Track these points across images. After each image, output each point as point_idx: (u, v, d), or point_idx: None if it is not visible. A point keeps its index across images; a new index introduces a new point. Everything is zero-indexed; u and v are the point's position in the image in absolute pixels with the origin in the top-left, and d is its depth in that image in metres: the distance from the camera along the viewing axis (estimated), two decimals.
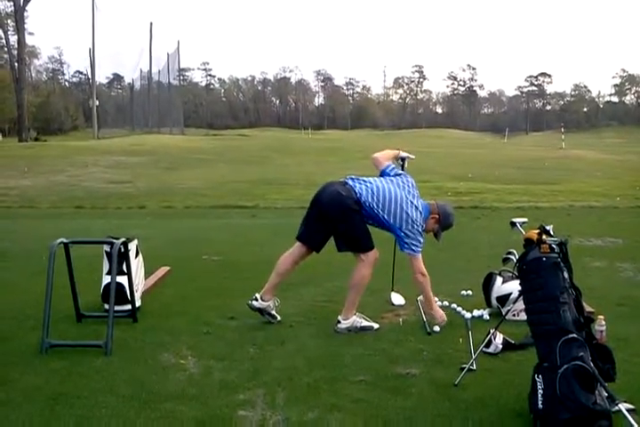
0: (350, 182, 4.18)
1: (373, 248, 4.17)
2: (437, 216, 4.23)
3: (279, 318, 4.37)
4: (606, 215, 10.29)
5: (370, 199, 4.09)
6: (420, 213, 4.15)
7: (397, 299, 4.84)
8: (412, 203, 4.14)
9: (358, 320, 4.17)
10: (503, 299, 4.42)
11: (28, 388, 3.24)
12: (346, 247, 4.20)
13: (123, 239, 4.27)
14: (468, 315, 4.48)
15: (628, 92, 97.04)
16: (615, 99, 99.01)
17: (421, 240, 4.15)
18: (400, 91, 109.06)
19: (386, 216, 4.10)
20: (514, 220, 3.60)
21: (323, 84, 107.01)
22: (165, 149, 25.78)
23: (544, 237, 3.08)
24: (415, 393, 3.20)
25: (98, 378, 3.37)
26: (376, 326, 4.23)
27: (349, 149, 29.73)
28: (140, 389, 3.24)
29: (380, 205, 4.10)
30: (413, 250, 4.11)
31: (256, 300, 4.28)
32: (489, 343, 3.69)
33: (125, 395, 3.16)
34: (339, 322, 4.18)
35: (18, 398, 3.10)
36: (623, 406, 2.71)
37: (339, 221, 4.12)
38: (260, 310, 4.29)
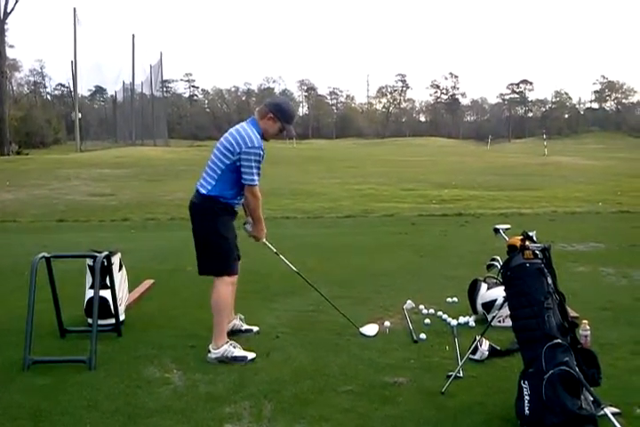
0: (198, 186, 4.03)
1: (233, 274, 3.96)
2: (271, 115, 3.86)
3: (256, 328, 4.34)
4: (589, 220, 10.40)
5: (210, 179, 3.95)
6: (245, 129, 3.84)
7: (370, 329, 4.38)
8: (228, 134, 3.89)
9: (230, 350, 3.80)
10: (488, 305, 4.44)
11: (10, 406, 3.19)
12: (207, 269, 4.00)
13: (105, 253, 4.23)
14: (453, 322, 4.49)
15: (608, 98, 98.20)
16: (595, 105, 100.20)
17: (257, 169, 3.90)
18: (383, 100, 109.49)
19: (223, 167, 3.87)
20: (497, 226, 3.61)
21: (306, 93, 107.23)
22: (149, 161, 25.66)
23: (527, 243, 3.10)
24: (403, 402, 3.20)
25: (82, 394, 3.33)
26: (251, 356, 3.84)
27: (334, 158, 29.82)
28: (124, 403, 3.20)
29: (213, 169, 3.92)
30: (250, 179, 3.86)
31: None
32: (475, 350, 3.70)
33: (110, 410, 3.12)
34: (209, 351, 3.84)
35: None
36: (609, 410, 2.73)
37: (199, 232, 4.05)
38: (233, 333, 4.19)
